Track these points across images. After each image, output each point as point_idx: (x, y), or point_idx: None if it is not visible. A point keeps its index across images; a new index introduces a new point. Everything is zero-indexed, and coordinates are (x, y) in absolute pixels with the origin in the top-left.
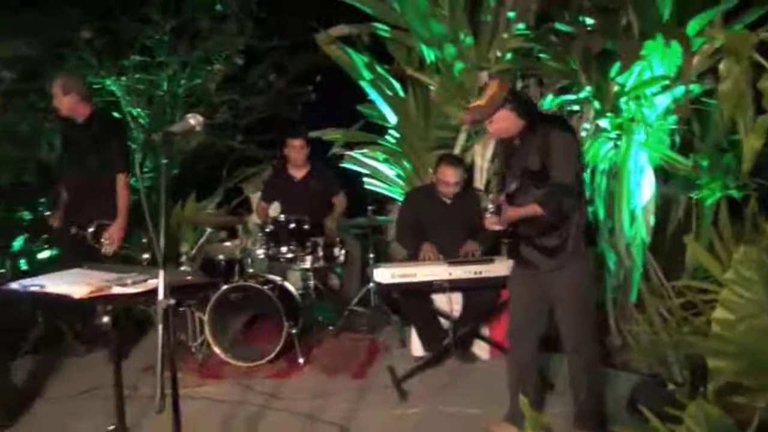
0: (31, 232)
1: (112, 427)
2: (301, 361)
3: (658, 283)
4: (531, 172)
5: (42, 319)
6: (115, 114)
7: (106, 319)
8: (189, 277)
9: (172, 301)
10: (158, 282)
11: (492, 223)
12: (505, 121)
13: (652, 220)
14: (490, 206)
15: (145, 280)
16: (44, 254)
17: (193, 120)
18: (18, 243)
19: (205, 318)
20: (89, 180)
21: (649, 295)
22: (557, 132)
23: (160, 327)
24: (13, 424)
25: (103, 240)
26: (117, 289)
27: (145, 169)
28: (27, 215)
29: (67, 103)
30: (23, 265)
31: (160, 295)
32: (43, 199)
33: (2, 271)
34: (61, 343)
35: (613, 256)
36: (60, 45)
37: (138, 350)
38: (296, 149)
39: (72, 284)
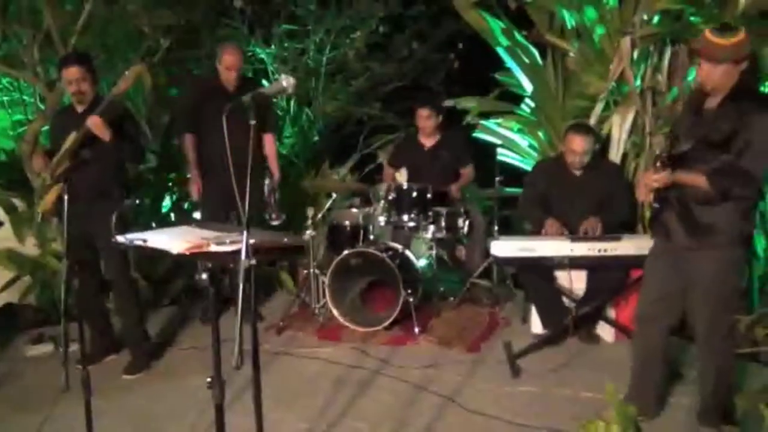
0: (178, 193)
1: (209, 380)
2: (416, 330)
3: None
4: (712, 142)
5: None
6: (264, 82)
7: (204, 275)
8: (285, 239)
9: (254, 261)
10: (254, 241)
11: (649, 179)
12: (725, 77)
13: None
14: (663, 155)
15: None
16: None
17: (286, 82)
18: (166, 203)
19: (326, 282)
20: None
21: None
22: (765, 118)
23: (240, 285)
24: (143, 370)
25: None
26: (214, 247)
27: (286, 135)
28: (174, 176)
29: (239, 71)
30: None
31: (242, 255)
32: None
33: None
34: (200, 297)
35: (763, 242)
36: (214, 14)
37: (264, 309)
38: (422, 118)
39: (173, 240)
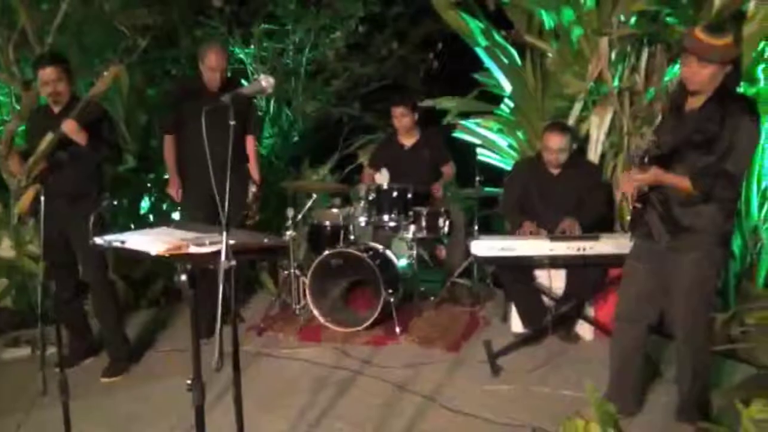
0: (157, 194)
1: (189, 382)
2: (397, 330)
3: None
4: (693, 143)
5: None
6: (243, 82)
7: (183, 277)
8: (265, 240)
9: (234, 263)
10: (234, 242)
11: (633, 177)
12: (710, 78)
13: None
14: (640, 154)
15: None
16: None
17: (265, 82)
18: (145, 204)
19: (307, 282)
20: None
21: None
22: (747, 121)
23: (221, 287)
24: (122, 373)
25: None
26: (193, 249)
27: (266, 135)
28: (153, 177)
29: (223, 72)
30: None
31: (223, 257)
32: None
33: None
34: (179, 298)
35: (738, 240)
36: (192, 13)
37: (244, 310)
38: (397, 117)
39: (151, 241)
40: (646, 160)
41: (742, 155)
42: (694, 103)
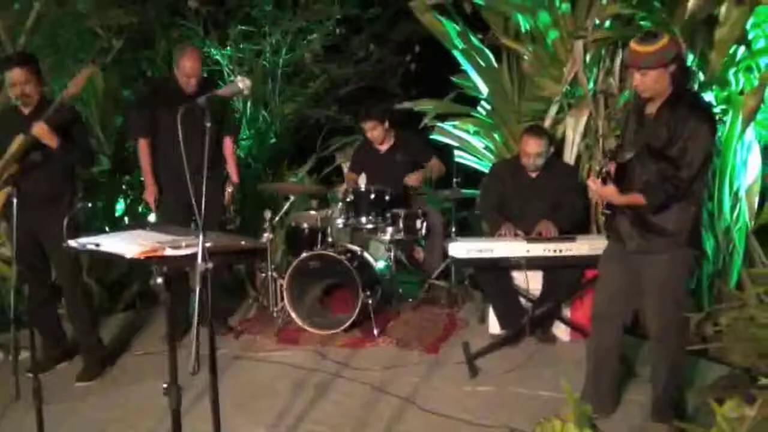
0: (132, 196)
1: (165, 385)
2: (375, 332)
3: (762, 269)
4: (652, 149)
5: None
6: (220, 84)
7: (159, 280)
8: (243, 242)
9: (210, 265)
10: (212, 244)
11: (594, 189)
12: (657, 82)
13: (756, 202)
14: (604, 170)
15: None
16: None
17: (242, 83)
18: (120, 207)
19: (284, 285)
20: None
21: (750, 283)
22: (702, 124)
23: (197, 289)
24: (97, 377)
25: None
26: (169, 251)
27: (243, 137)
28: (128, 179)
29: (198, 73)
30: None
31: (199, 259)
32: None
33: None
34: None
35: (711, 241)
36: (168, 14)
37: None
38: (368, 131)
39: (127, 244)
40: (608, 180)
41: (695, 160)
42: (651, 108)
